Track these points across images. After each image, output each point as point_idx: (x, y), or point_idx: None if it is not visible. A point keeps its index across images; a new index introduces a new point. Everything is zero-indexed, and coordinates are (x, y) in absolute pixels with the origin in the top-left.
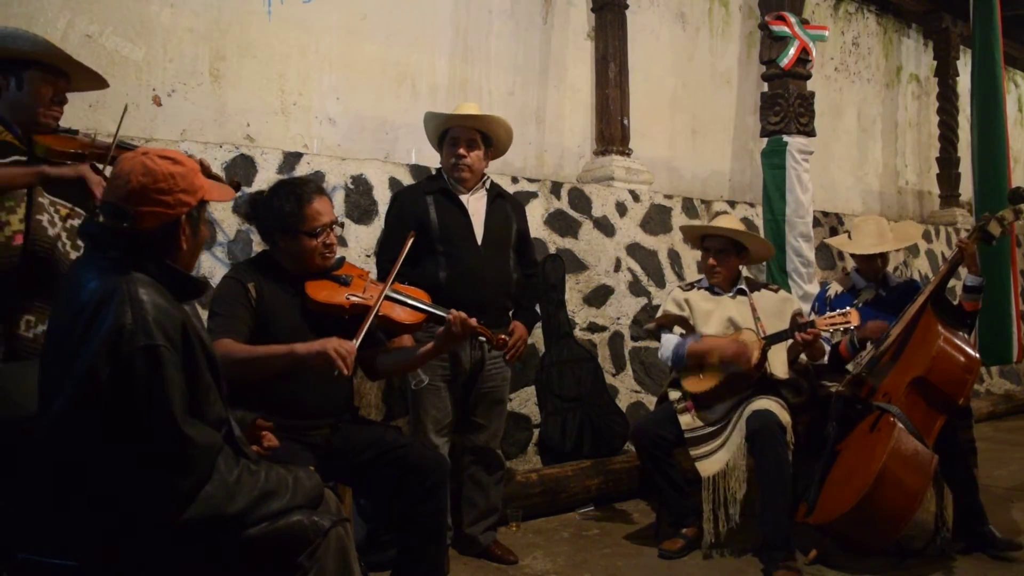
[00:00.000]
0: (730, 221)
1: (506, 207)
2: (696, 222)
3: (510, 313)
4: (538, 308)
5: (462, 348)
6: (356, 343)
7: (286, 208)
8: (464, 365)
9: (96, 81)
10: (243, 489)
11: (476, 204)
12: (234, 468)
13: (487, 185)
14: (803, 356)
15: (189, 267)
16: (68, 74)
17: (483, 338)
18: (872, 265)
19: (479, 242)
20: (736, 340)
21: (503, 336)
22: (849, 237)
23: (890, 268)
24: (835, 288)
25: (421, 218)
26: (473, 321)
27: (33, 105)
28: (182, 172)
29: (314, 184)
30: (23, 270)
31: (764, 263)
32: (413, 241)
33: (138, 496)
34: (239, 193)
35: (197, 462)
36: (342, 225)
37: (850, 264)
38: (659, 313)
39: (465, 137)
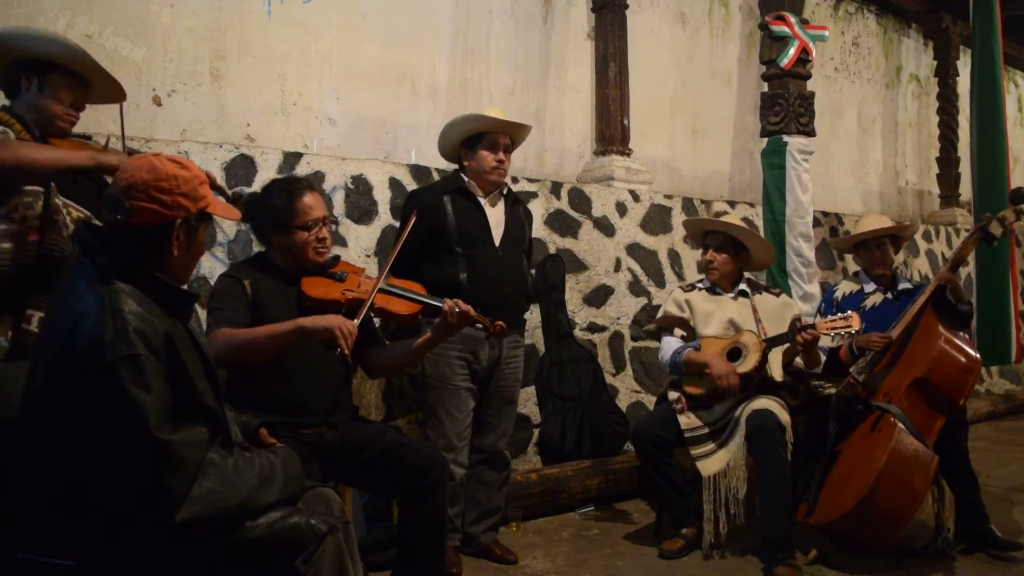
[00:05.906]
0: (733, 221)
1: (519, 211)
2: None
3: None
4: (536, 309)
5: (481, 348)
6: (357, 322)
7: (277, 203)
8: (483, 363)
9: (116, 93)
10: (243, 477)
11: (494, 207)
12: (228, 457)
13: (504, 190)
14: (798, 360)
15: (181, 279)
16: (90, 82)
17: (480, 325)
18: (875, 254)
19: (497, 244)
20: (728, 363)
21: (500, 323)
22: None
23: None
24: (843, 290)
25: (438, 218)
26: (470, 309)
27: (52, 108)
28: (186, 177)
29: (305, 181)
30: (35, 267)
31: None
32: (430, 241)
33: (132, 502)
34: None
35: (183, 463)
36: (335, 221)
37: (851, 266)
38: (659, 314)
39: (503, 143)
